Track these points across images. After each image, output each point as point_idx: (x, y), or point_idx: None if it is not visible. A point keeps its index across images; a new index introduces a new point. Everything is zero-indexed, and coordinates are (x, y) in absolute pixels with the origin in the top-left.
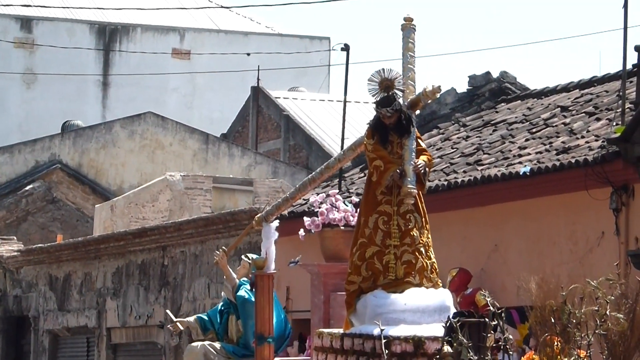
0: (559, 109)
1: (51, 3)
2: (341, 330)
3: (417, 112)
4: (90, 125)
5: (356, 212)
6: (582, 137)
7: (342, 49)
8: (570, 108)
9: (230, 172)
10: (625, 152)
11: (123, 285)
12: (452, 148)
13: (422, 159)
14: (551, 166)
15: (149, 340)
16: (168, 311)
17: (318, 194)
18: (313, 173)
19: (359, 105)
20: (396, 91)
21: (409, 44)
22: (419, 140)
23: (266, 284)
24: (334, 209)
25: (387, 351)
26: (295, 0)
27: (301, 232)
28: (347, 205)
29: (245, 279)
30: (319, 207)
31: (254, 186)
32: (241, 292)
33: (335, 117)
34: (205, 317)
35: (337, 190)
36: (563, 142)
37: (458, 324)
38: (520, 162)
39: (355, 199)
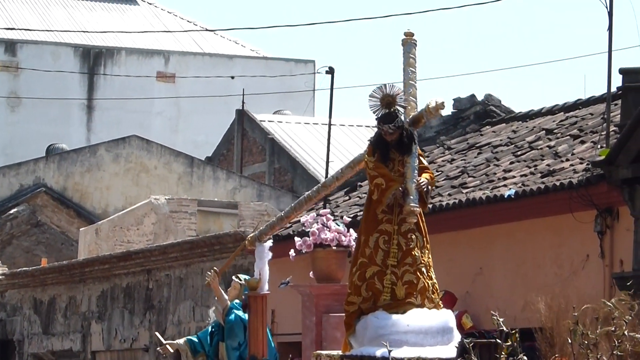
0: (544, 132)
1: (35, 26)
2: (339, 352)
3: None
4: (74, 148)
5: (348, 232)
6: (567, 160)
7: (327, 72)
8: (555, 131)
9: (215, 195)
10: (610, 174)
11: (108, 308)
12: (437, 171)
13: (425, 177)
14: (536, 189)
15: None
16: (157, 333)
17: (309, 214)
18: (309, 192)
19: (343, 128)
20: (398, 107)
21: (410, 59)
22: (421, 158)
23: (260, 305)
24: (325, 228)
25: None
26: (280, 24)
27: (292, 252)
28: (339, 225)
29: (237, 300)
30: (310, 227)
31: (239, 209)
32: (232, 316)
33: (320, 140)
34: (195, 339)
35: (329, 210)
36: (548, 165)
37: (470, 345)
38: (505, 185)
39: (347, 218)
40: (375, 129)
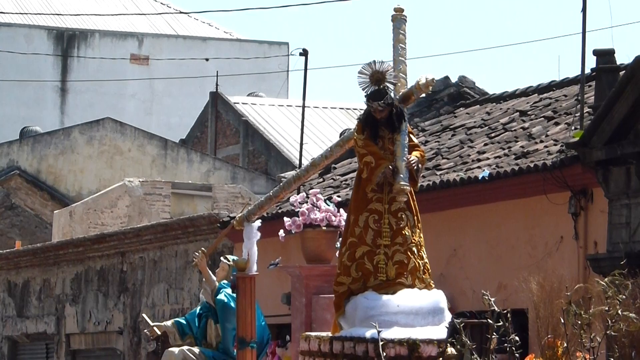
0: (518, 113)
1: (9, 9)
2: (329, 334)
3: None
4: (48, 131)
5: (338, 211)
6: (541, 141)
7: (301, 54)
8: (529, 112)
9: (189, 177)
10: (584, 156)
11: (82, 291)
12: None
13: (415, 155)
14: (510, 171)
15: (108, 346)
16: (144, 315)
17: (298, 194)
18: (298, 171)
19: (317, 110)
20: (387, 84)
21: (400, 36)
22: (411, 136)
23: (248, 286)
24: (315, 208)
25: (384, 354)
26: (254, 6)
27: (281, 232)
28: (328, 205)
29: (225, 281)
30: (300, 207)
31: (213, 192)
32: (221, 296)
33: (294, 122)
34: (183, 321)
35: (319, 190)
36: (522, 147)
37: (461, 325)
38: (479, 167)
39: (337, 198)
40: (364, 107)
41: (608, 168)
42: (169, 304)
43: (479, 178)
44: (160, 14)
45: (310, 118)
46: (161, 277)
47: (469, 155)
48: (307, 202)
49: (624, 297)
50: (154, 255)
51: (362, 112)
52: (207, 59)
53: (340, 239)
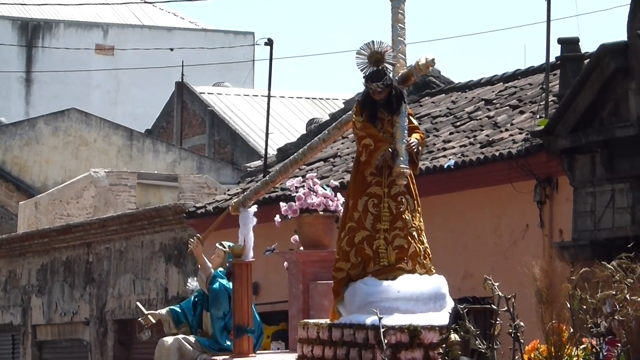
0: (483, 102)
1: None
2: (327, 320)
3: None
4: (13, 122)
5: (335, 196)
6: (506, 130)
7: (266, 44)
8: (494, 101)
9: (155, 168)
10: (549, 144)
11: (48, 282)
12: None
13: (415, 137)
14: (475, 159)
15: (75, 337)
16: (138, 303)
17: (294, 178)
18: (295, 154)
19: (283, 99)
20: (386, 65)
21: (399, 15)
22: (411, 117)
23: (244, 272)
24: (312, 193)
25: (385, 341)
26: None
27: (277, 218)
28: (325, 189)
29: (221, 269)
30: (296, 192)
31: (179, 182)
32: (215, 285)
33: (260, 112)
34: (178, 310)
35: (315, 173)
36: (487, 136)
37: (465, 311)
38: (444, 156)
39: (334, 182)
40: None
41: (573, 156)
42: (135, 295)
43: (445, 167)
44: (125, 3)
45: (276, 107)
46: (127, 267)
47: (435, 144)
48: (303, 187)
49: (631, 280)
50: (120, 245)
51: (361, 93)
52: (172, 49)
53: (338, 223)
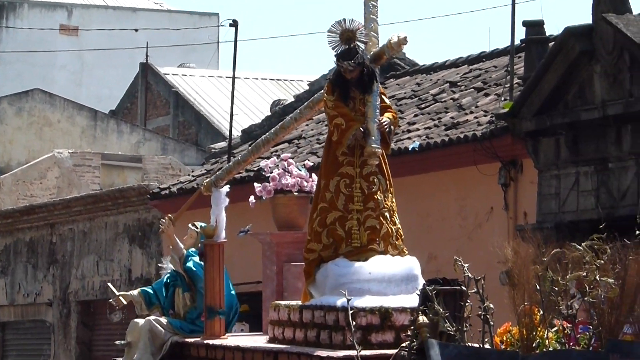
0: (448, 84)
1: None
2: (299, 302)
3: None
4: None
5: (310, 176)
6: (471, 112)
7: (231, 25)
8: (459, 84)
9: (119, 148)
10: (514, 127)
11: (11, 263)
12: None
13: (387, 117)
14: (440, 142)
15: (38, 318)
16: (110, 284)
17: (269, 158)
18: (267, 134)
19: (248, 81)
20: (358, 43)
21: None
22: (383, 97)
23: (216, 253)
24: (286, 173)
25: (354, 323)
26: None
27: (251, 199)
28: (300, 170)
29: (193, 249)
30: (271, 172)
31: (143, 163)
32: (190, 263)
33: (224, 93)
34: (150, 291)
35: (290, 154)
36: (452, 118)
37: (434, 293)
38: (409, 138)
39: (309, 162)
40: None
41: (538, 139)
42: (98, 276)
43: (409, 149)
44: None
45: (241, 89)
46: (91, 248)
47: (399, 127)
48: (278, 167)
49: (602, 262)
50: (84, 226)
51: (332, 71)
52: (136, 30)
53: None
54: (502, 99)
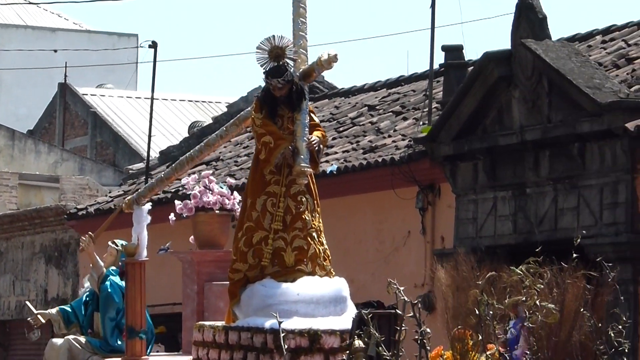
0: (366, 108)
1: None
2: (224, 323)
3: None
4: None
5: (232, 194)
6: (389, 136)
7: (150, 46)
8: (377, 107)
9: (37, 168)
10: (432, 151)
11: None
12: None
13: (316, 135)
14: (358, 165)
15: None
16: (28, 303)
17: (190, 176)
18: (191, 151)
19: (166, 102)
20: (287, 60)
21: (300, 9)
22: (312, 115)
23: (138, 272)
24: (207, 191)
25: (286, 346)
26: None
27: (172, 216)
28: (222, 188)
29: (113, 267)
30: (192, 190)
31: (60, 183)
32: (106, 284)
33: (143, 114)
34: (69, 309)
35: (211, 171)
36: (370, 141)
37: (369, 316)
38: (327, 161)
39: (231, 180)
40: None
41: (456, 163)
42: (14, 296)
43: (327, 172)
44: (9, 4)
45: (159, 110)
46: (7, 268)
47: None
48: (199, 185)
49: (541, 286)
50: (0, 246)
51: (261, 89)
52: (56, 50)
53: (234, 222)
54: (421, 123)
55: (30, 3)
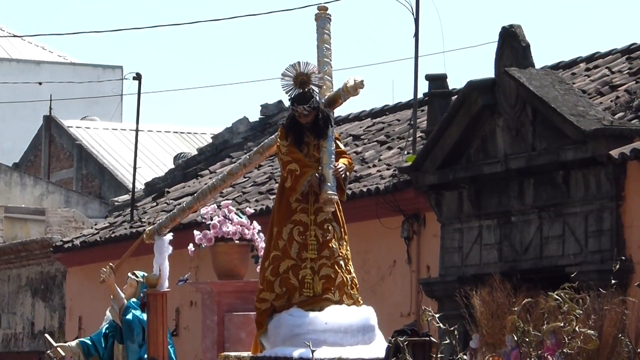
0: (351, 137)
1: None
2: (249, 353)
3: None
4: None
5: (251, 224)
6: (374, 165)
7: (135, 78)
8: (362, 137)
9: (22, 201)
10: (417, 180)
11: None
12: (245, 177)
13: (342, 162)
14: None
15: None
16: (47, 335)
17: (209, 206)
18: (214, 180)
19: (151, 134)
20: (313, 87)
21: (325, 36)
22: (338, 142)
23: (159, 303)
24: (227, 221)
25: None
26: (87, 29)
27: (190, 247)
28: (241, 217)
29: (134, 299)
30: (211, 220)
31: (46, 215)
32: (129, 316)
33: (128, 146)
34: (89, 342)
35: (230, 201)
36: (355, 171)
37: (404, 344)
38: None
39: (250, 209)
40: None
41: (440, 192)
42: (1, 329)
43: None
44: None
45: (144, 142)
46: None
47: None
48: (218, 215)
49: (580, 312)
50: None
51: (286, 116)
52: (40, 83)
53: (253, 252)
54: (405, 152)
55: (14, 36)
